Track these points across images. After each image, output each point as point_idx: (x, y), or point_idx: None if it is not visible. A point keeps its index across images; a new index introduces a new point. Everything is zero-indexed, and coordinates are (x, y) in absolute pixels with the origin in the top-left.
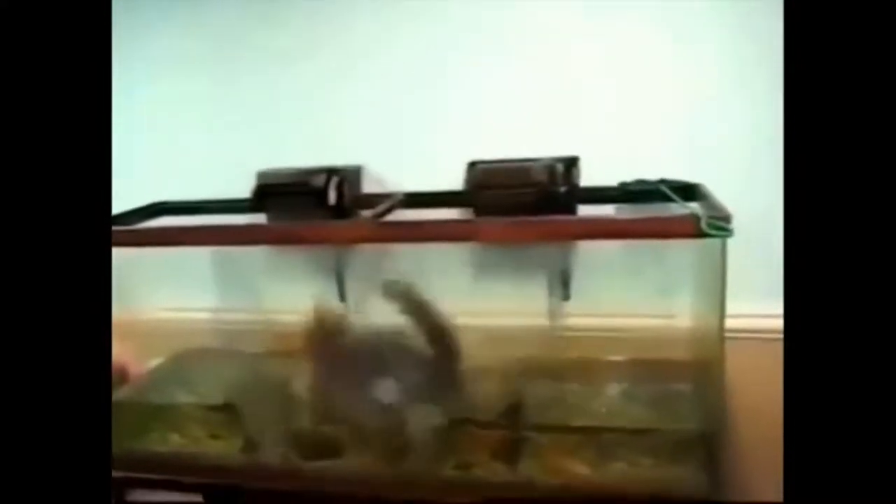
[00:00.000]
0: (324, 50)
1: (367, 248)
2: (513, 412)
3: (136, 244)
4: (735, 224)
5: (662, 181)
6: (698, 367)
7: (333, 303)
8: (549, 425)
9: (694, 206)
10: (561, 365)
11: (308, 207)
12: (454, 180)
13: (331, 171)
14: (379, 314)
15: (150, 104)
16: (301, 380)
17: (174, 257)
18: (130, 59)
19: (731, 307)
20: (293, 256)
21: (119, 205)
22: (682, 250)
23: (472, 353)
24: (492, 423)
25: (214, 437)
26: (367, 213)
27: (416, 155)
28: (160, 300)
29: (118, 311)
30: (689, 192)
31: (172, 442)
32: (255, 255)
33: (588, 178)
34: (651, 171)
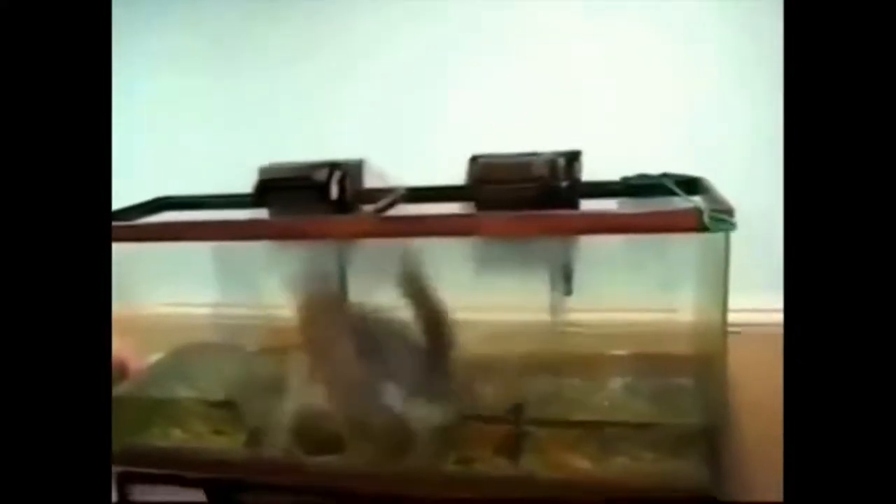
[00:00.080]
0: (323, 49)
1: (369, 243)
2: (514, 407)
3: (137, 239)
4: (736, 221)
5: (665, 175)
6: (700, 362)
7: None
8: (550, 420)
9: (697, 200)
10: (563, 359)
11: (310, 202)
12: (454, 180)
13: (333, 166)
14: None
15: (149, 101)
16: (299, 373)
17: (176, 252)
18: (130, 55)
19: (732, 301)
20: (295, 251)
21: (119, 202)
22: (684, 244)
23: (474, 348)
24: (493, 418)
25: (217, 432)
26: (369, 207)
27: (415, 155)
28: (161, 295)
29: (119, 306)
30: (691, 185)
31: (174, 437)
32: (256, 250)
33: (589, 177)
34: (651, 171)
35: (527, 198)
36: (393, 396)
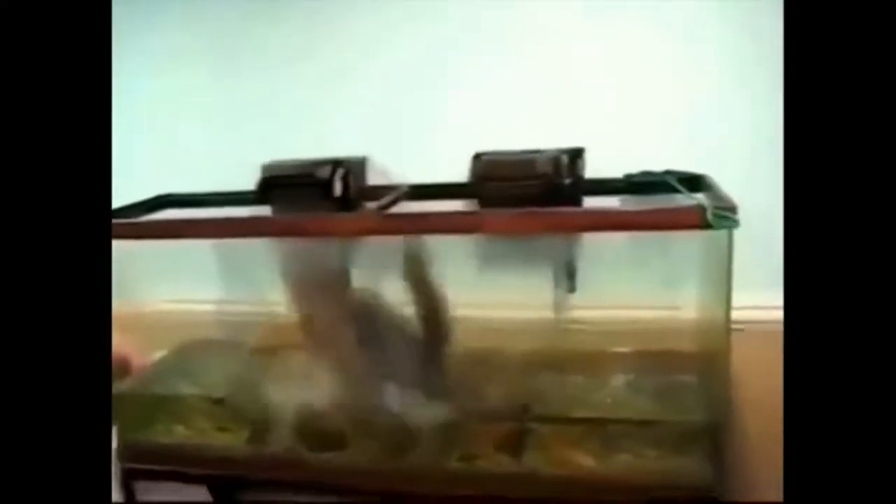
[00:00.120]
0: (323, 48)
1: (372, 241)
2: (517, 404)
3: (140, 237)
4: (739, 218)
5: (668, 172)
6: (703, 359)
7: None
8: (553, 417)
9: (700, 197)
10: (566, 357)
11: (313, 199)
12: (453, 180)
13: (336, 163)
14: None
15: (148, 99)
16: (301, 369)
17: (178, 249)
18: (130, 54)
19: (735, 299)
20: (299, 248)
21: (119, 200)
22: (687, 242)
23: (478, 345)
24: (496, 414)
25: (220, 429)
26: (372, 204)
27: (415, 155)
28: (164, 292)
29: (123, 303)
30: (694, 183)
31: (177, 434)
32: (259, 246)
33: (589, 178)
34: (654, 169)
35: (530, 195)
36: (394, 391)
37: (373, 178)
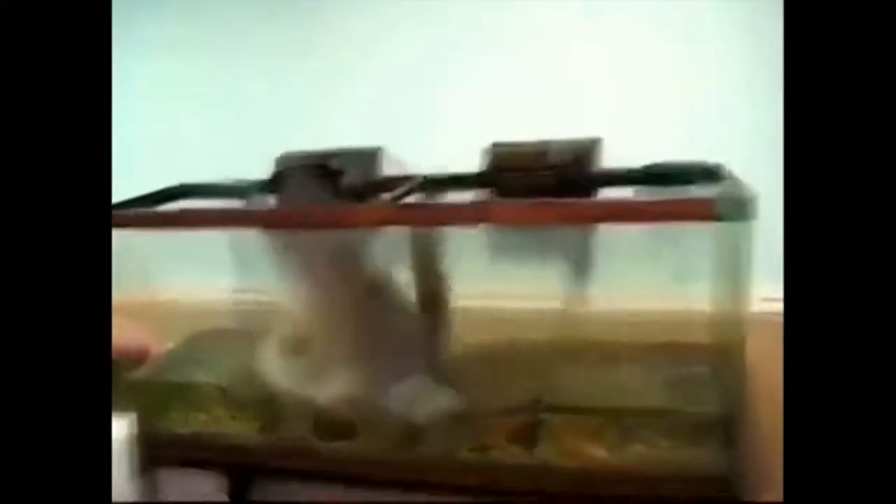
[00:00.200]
0: (322, 45)
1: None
2: (530, 395)
3: (156, 226)
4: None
5: (685, 163)
6: (718, 350)
7: None
8: (566, 407)
9: (716, 188)
10: (579, 347)
11: (327, 190)
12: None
13: (350, 154)
14: None
15: (146, 90)
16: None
17: (194, 238)
18: (128, 44)
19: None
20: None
21: (117, 192)
22: (702, 232)
23: (491, 336)
24: (509, 405)
25: (234, 418)
26: (386, 195)
27: (415, 154)
28: (181, 281)
29: (139, 292)
30: (712, 173)
31: (193, 421)
32: (272, 236)
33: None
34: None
35: (546, 185)
36: (404, 379)
37: (387, 170)
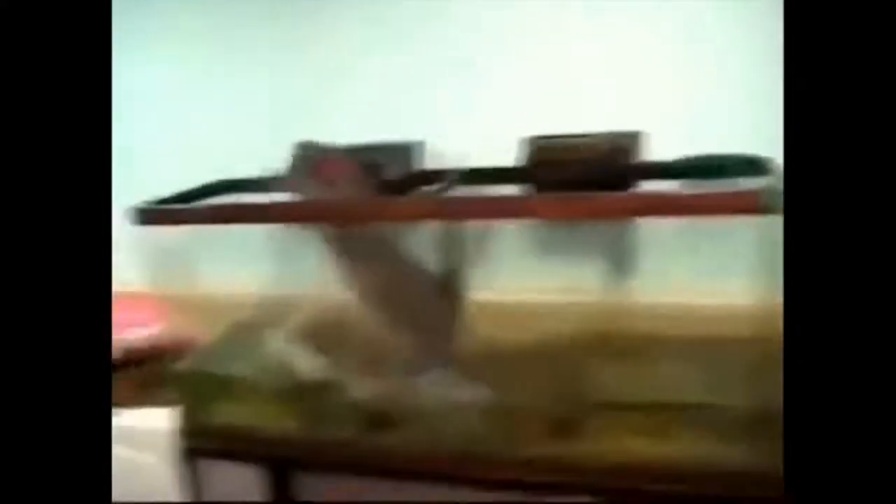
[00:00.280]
0: (321, 45)
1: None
2: (571, 390)
3: (198, 221)
4: None
5: (729, 155)
6: (760, 344)
7: None
8: (607, 402)
9: (760, 181)
10: (620, 342)
11: (367, 183)
12: None
13: (391, 147)
14: None
15: (147, 87)
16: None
17: (235, 232)
18: (129, 40)
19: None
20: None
21: (117, 192)
22: (745, 226)
23: (531, 330)
24: (549, 400)
25: (273, 410)
26: (427, 189)
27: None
28: (221, 274)
29: (183, 285)
30: (757, 166)
31: (233, 414)
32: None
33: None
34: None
35: (585, 179)
36: (445, 373)
37: (428, 163)
